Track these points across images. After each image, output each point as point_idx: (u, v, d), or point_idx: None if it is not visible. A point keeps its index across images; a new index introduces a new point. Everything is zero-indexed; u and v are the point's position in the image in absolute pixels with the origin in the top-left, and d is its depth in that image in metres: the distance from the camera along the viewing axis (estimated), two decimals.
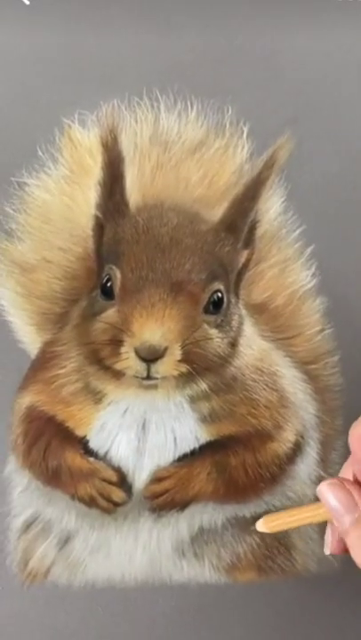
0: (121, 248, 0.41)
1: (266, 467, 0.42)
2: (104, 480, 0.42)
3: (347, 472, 0.35)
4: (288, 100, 0.45)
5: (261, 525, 0.38)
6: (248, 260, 0.43)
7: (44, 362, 0.43)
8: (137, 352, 0.38)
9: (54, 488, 0.42)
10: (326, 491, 0.33)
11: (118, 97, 0.44)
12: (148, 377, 0.39)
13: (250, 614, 0.42)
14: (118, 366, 0.39)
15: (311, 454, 0.44)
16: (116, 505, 0.42)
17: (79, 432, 0.42)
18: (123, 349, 0.39)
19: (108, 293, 0.41)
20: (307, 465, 0.43)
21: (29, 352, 0.44)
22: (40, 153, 0.44)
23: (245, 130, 0.44)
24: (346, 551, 0.32)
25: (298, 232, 0.44)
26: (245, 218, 0.42)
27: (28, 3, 0.45)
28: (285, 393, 0.43)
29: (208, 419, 0.42)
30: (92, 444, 0.42)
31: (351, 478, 0.34)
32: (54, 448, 0.42)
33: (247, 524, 0.42)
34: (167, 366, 0.39)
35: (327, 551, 0.36)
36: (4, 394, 0.43)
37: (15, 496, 0.43)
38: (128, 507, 0.42)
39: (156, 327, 0.38)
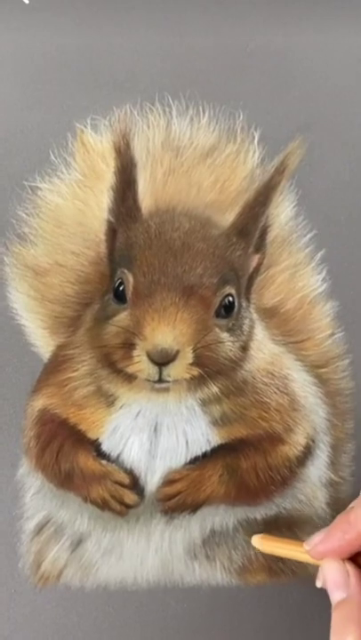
0: (133, 252, 0.41)
1: (277, 469, 0.42)
2: (116, 482, 0.42)
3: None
4: (299, 105, 0.45)
5: (257, 541, 0.40)
6: (259, 265, 0.44)
7: (56, 365, 0.43)
8: (149, 355, 0.39)
9: (67, 491, 0.42)
10: (329, 564, 0.35)
11: (131, 102, 0.44)
12: (160, 380, 0.39)
13: (261, 616, 0.42)
14: (130, 369, 0.40)
15: (322, 457, 0.44)
16: (129, 507, 0.42)
17: (92, 435, 0.42)
18: (135, 353, 0.39)
19: (120, 297, 0.41)
20: (317, 468, 0.44)
21: (42, 355, 0.44)
22: (53, 157, 0.44)
23: (257, 135, 0.44)
24: None
25: (308, 237, 0.45)
26: (256, 223, 0.43)
27: (31, 4, 0.45)
28: (296, 396, 0.43)
29: (219, 422, 0.42)
30: (105, 447, 0.42)
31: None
32: (67, 451, 0.42)
33: (258, 526, 0.43)
34: (179, 370, 0.39)
35: (318, 584, 0.37)
36: (17, 397, 0.43)
37: (28, 499, 0.43)
38: (140, 509, 0.42)
39: (167, 331, 0.38)
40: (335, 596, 0.34)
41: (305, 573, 0.42)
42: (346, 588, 0.34)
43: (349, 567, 0.35)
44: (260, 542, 0.41)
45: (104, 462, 0.42)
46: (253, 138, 0.44)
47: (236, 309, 0.42)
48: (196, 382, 0.40)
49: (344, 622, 0.33)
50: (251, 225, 0.42)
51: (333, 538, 0.36)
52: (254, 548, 0.41)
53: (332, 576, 0.35)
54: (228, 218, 0.43)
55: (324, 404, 0.44)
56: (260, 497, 0.42)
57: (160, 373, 0.39)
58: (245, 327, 0.42)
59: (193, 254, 0.40)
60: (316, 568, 0.42)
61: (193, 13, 0.45)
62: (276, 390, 0.43)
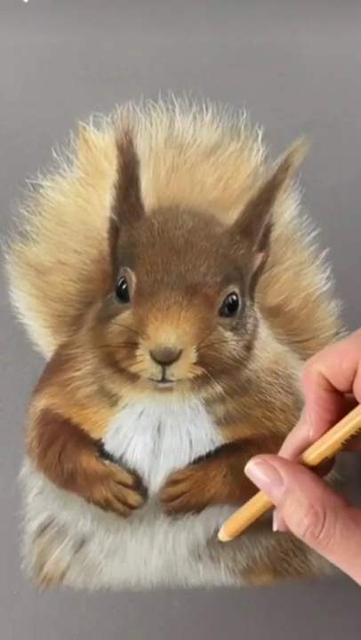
0: (136, 251, 0.41)
1: None
2: (119, 483, 0.42)
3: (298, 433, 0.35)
4: (303, 103, 0.45)
5: (223, 535, 0.39)
6: (263, 263, 0.44)
7: (59, 364, 0.43)
8: (152, 355, 0.38)
9: (69, 491, 0.42)
10: (255, 470, 0.34)
11: (133, 99, 0.44)
12: (164, 380, 0.39)
13: (266, 617, 0.42)
14: (133, 369, 0.40)
15: None
16: (132, 508, 0.42)
17: (94, 435, 0.42)
18: (138, 352, 0.39)
19: (123, 296, 0.41)
20: None
21: (44, 355, 0.44)
22: (55, 155, 0.44)
23: (260, 133, 0.44)
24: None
25: (313, 235, 0.45)
26: (260, 221, 0.42)
27: (44, 3, 0.45)
28: (301, 396, 0.43)
29: (223, 421, 0.42)
30: (108, 447, 0.42)
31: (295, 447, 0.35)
32: (69, 451, 0.42)
33: (262, 526, 0.42)
34: (182, 369, 0.39)
35: (275, 527, 0.37)
36: (20, 396, 0.43)
37: (30, 499, 0.43)
38: (144, 510, 0.42)
39: (171, 330, 0.38)
40: (275, 493, 0.33)
41: (310, 574, 0.42)
42: (281, 481, 0.33)
43: (273, 462, 0.34)
44: (227, 534, 0.39)
45: (107, 462, 0.42)
46: (257, 135, 0.44)
47: (239, 308, 0.41)
48: (200, 382, 0.40)
49: (294, 511, 0.32)
50: (254, 223, 0.42)
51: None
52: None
53: (262, 477, 0.34)
54: (231, 216, 0.42)
55: None
56: None
57: (163, 373, 0.39)
58: (249, 326, 0.42)
59: (196, 253, 0.40)
60: (319, 567, 0.42)
61: (196, 10, 0.45)
62: (280, 390, 0.43)
